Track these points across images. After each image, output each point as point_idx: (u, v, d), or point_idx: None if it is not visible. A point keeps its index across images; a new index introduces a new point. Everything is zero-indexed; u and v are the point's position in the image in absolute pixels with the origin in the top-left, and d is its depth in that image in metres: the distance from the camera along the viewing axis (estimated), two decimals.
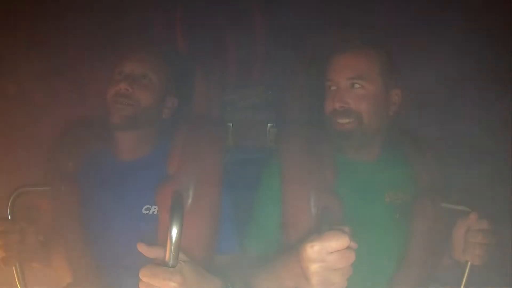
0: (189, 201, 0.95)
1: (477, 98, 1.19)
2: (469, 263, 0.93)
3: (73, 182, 1.03)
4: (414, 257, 1.01)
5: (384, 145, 1.08)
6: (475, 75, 1.18)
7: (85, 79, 1.22)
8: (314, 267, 0.68)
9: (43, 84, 1.22)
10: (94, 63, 1.18)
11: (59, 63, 1.22)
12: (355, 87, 1.00)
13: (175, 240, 0.72)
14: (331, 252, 0.68)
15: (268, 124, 1.48)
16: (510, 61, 1.11)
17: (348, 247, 0.69)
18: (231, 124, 1.47)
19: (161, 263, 0.73)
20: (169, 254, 0.72)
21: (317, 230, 0.72)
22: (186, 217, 0.84)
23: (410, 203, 1.03)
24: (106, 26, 1.27)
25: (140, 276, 0.71)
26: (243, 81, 1.48)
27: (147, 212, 1.00)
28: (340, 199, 0.97)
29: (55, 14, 1.24)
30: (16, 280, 0.95)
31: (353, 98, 0.99)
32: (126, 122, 1.02)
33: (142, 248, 0.77)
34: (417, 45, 1.23)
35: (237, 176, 1.08)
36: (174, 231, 0.72)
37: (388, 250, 1.02)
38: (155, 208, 1.00)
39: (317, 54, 1.29)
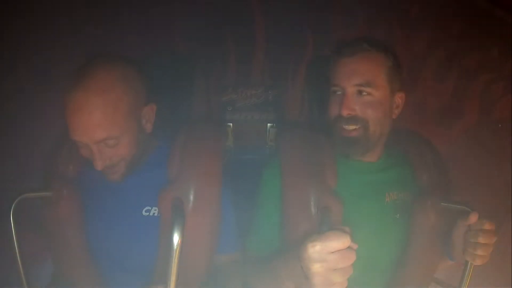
0: (190, 202, 0.95)
1: (478, 98, 1.19)
2: (469, 263, 0.93)
3: (74, 185, 1.03)
4: (414, 257, 1.01)
5: (385, 145, 1.08)
6: (476, 75, 1.18)
7: None
8: (315, 267, 0.68)
9: (43, 84, 1.22)
10: None
11: (60, 65, 1.22)
12: (362, 94, 0.98)
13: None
14: (332, 252, 0.68)
15: (268, 124, 1.48)
16: (511, 61, 1.11)
17: (348, 247, 0.69)
18: (231, 124, 1.47)
19: None
20: None
21: (318, 230, 0.72)
22: (187, 218, 0.84)
23: (411, 203, 1.04)
24: (105, 25, 1.26)
25: None
26: (243, 81, 1.48)
27: (147, 214, 1.00)
28: (340, 199, 0.97)
29: (54, 13, 1.24)
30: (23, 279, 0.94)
31: (360, 105, 0.98)
32: (124, 177, 0.98)
33: None
34: (418, 45, 1.23)
35: (237, 176, 1.08)
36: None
37: (388, 250, 1.02)
38: (155, 210, 1.00)
39: (319, 54, 1.29)
